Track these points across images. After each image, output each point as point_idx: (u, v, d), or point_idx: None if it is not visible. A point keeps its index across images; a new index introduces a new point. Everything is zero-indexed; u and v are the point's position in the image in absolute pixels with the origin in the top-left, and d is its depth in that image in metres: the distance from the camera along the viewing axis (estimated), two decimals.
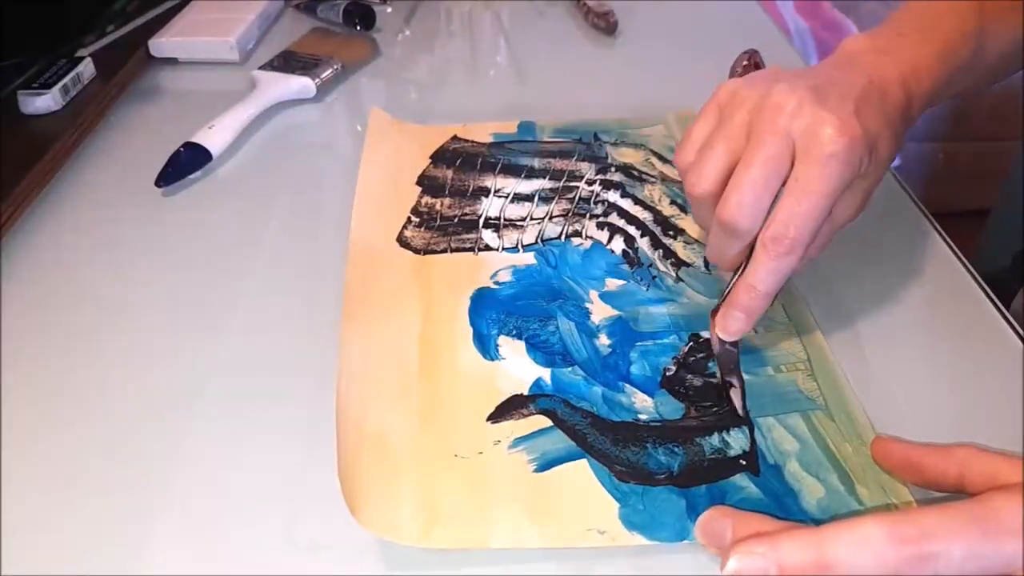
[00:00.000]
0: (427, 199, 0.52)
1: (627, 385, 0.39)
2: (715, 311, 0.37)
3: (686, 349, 0.40)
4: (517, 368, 0.40)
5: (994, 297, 0.44)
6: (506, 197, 0.51)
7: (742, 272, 0.36)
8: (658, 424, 0.37)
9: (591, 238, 0.48)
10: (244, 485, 0.35)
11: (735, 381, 0.38)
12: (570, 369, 0.40)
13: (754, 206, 0.35)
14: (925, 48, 0.39)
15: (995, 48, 0.43)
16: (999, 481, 0.28)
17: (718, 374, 0.38)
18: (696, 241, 0.47)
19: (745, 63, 0.45)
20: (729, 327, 0.36)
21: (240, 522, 0.34)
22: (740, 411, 0.37)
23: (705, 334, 0.41)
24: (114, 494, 0.35)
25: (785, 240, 0.34)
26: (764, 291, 0.35)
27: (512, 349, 0.41)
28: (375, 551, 0.33)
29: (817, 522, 0.33)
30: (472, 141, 0.57)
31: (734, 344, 0.37)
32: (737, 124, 0.36)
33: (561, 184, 0.52)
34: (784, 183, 0.35)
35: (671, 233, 0.48)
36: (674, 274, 0.45)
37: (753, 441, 0.36)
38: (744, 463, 0.35)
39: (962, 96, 0.46)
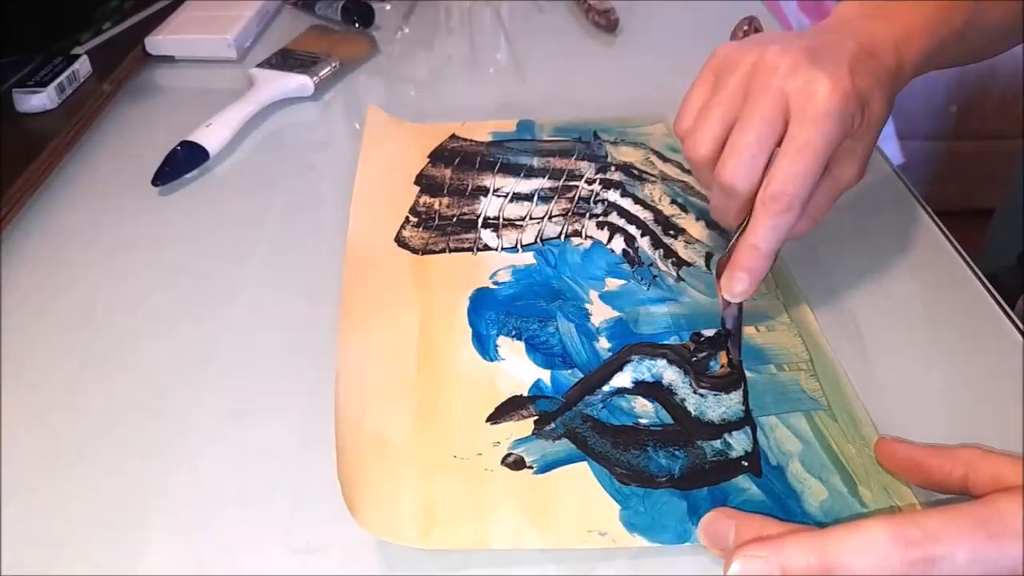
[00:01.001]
0: (425, 198, 0.51)
1: None
2: (720, 264, 0.38)
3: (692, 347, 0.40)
4: (517, 369, 0.39)
5: (999, 297, 0.43)
6: (505, 196, 0.51)
7: (743, 231, 0.37)
8: (658, 428, 0.37)
9: (591, 238, 0.48)
10: (244, 485, 0.35)
11: (736, 332, 0.39)
12: (570, 371, 0.39)
13: (751, 167, 0.36)
14: (917, 13, 0.39)
15: (993, 18, 0.43)
16: (1003, 483, 0.28)
17: (721, 325, 0.39)
18: (697, 240, 0.47)
19: (745, 28, 0.45)
20: (734, 288, 0.36)
21: (240, 522, 0.34)
22: (735, 359, 0.38)
23: (707, 332, 0.41)
24: (113, 494, 0.35)
25: (784, 197, 0.35)
26: (765, 249, 0.36)
27: (511, 350, 0.41)
28: (375, 551, 0.32)
29: (820, 524, 0.32)
30: (471, 140, 0.57)
31: (739, 304, 0.38)
32: (733, 87, 0.37)
33: (560, 183, 0.52)
34: (780, 142, 0.36)
35: (672, 233, 0.47)
36: (675, 273, 0.45)
37: (755, 442, 0.36)
38: (746, 464, 0.35)
39: (959, 64, 0.46)
